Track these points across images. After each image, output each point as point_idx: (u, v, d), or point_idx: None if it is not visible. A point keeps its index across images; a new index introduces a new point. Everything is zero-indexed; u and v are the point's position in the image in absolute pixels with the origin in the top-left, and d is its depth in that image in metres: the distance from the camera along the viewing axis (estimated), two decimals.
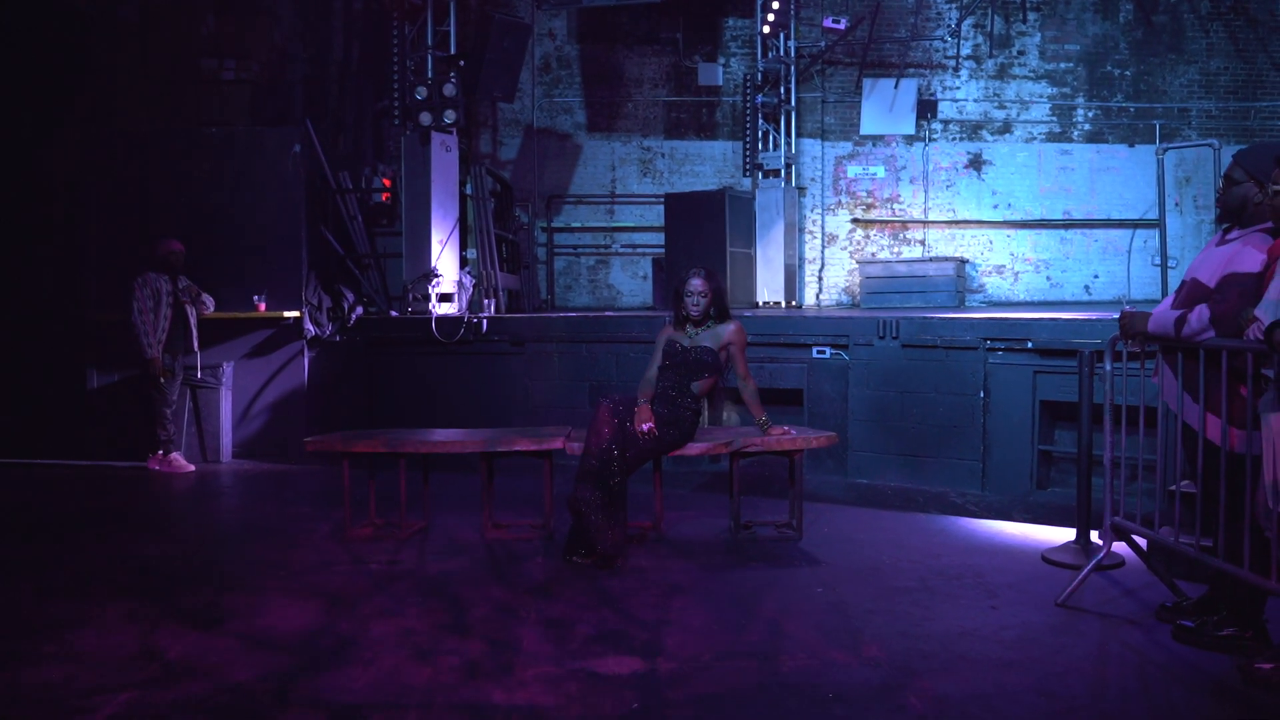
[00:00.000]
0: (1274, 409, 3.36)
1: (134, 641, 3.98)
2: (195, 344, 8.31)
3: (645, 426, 5.22)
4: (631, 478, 5.32)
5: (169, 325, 8.09)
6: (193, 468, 8.26)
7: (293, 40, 10.96)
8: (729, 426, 6.57)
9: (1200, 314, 3.74)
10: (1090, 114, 14.10)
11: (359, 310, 9.44)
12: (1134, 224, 13.71)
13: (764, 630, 4.12)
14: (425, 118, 9.32)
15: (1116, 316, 4.28)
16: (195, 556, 5.51)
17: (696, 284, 5.51)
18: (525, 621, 4.26)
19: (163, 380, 8.09)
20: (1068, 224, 14.05)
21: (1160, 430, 4.36)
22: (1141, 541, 4.57)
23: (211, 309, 8.43)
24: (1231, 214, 3.94)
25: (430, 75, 9.55)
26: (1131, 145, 13.97)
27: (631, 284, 14.58)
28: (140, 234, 8.51)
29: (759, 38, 13.64)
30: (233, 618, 4.32)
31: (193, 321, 8.28)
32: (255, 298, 8.88)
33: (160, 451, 8.18)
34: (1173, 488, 4.74)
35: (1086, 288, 13.97)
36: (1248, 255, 3.76)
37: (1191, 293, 3.94)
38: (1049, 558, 5.24)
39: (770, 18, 13.28)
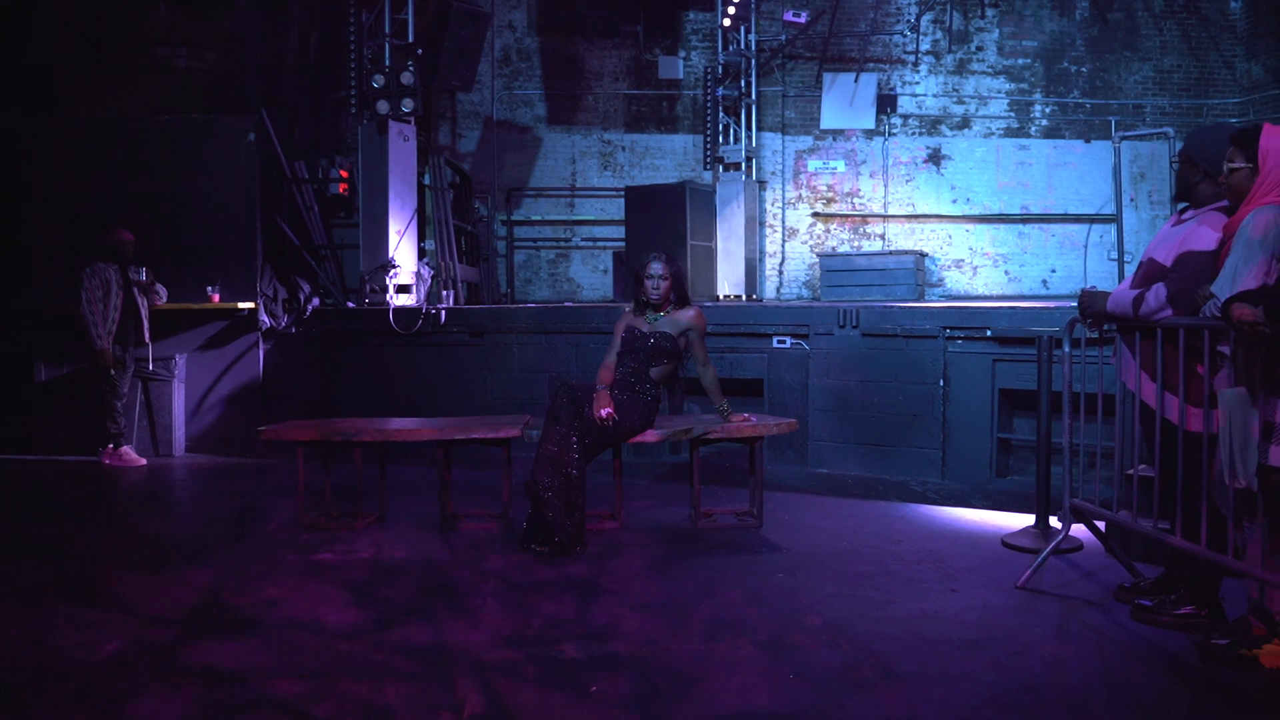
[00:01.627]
0: (1230, 385, 3.36)
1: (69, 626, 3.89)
2: (147, 335, 8.17)
3: (604, 412, 5.16)
4: (590, 467, 5.26)
5: (119, 316, 7.94)
6: (144, 461, 8.10)
7: (248, 28, 10.77)
8: (689, 415, 6.53)
9: (1158, 292, 3.75)
10: (1048, 110, 14.23)
11: (315, 302, 9.29)
12: (1090, 219, 13.87)
13: (725, 615, 4.08)
14: (383, 106, 9.19)
15: (1075, 304, 4.30)
16: (143, 549, 5.38)
17: (657, 268, 5.46)
18: (483, 608, 4.20)
19: (113, 372, 7.93)
20: (1025, 219, 14.18)
21: (1118, 416, 4.37)
22: (1100, 524, 4.59)
23: (164, 300, 8.27)
24: (1186, 194, 3.98)
25: (388, 63, 9.42)
26: (1088, 141, 14.12)
27: (592, 277, 14.51)
28: (90, 223, 8.34)
29: (719, 31, 13.62)
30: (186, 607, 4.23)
31: (144, 312, 8.14)
32: (209, 289, 8.72)
33: (111, 445, 8.02)
34: (1130, 471, 4.76)
35: (1044, 282, 14.10)
36: (1203, 234, 3.78)
37: (1149, 272, 3.95)
38: (1008, 542, 5.25)
39: (731, 11, 13.26)
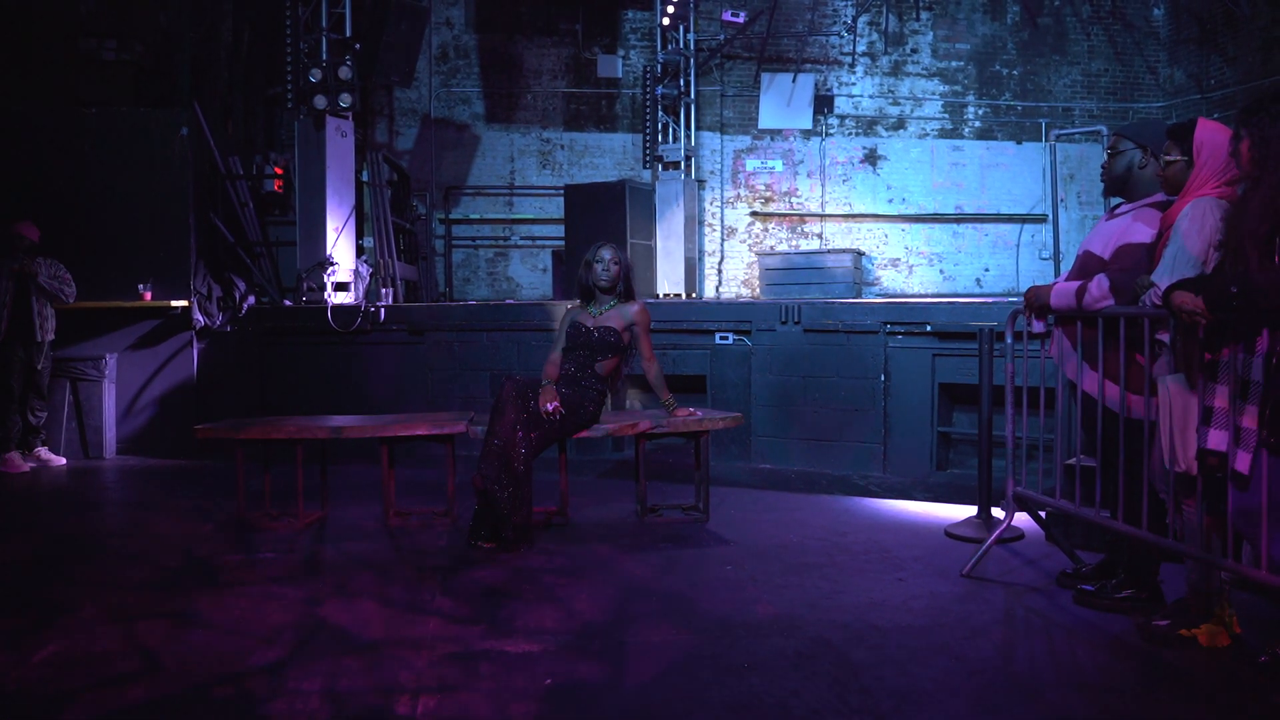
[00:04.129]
0: (1169, 372, 3.44)
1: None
2: (39, 334, 7.77)
3: (550, 406, 5.13)
4: (534, 464, 5.22)
5: (9, 313, 7.62)
6: (29, 467, 7.77)
7: (178, 20, 10.54)
8: (633, 410, 6.53)
9: (1100, 282, 3.83)
10: (980, 111, 14.48)
11: (251, 300, 9.12)
12: (1022, 219, 14.14)
13: (676, 606, 4.08)
14: (320, 101, 9.05)
15: (1011, 300, 4.38)
16: (77, 555, 5.24)
17: (607, 253, 5.50)
18: (430, 604, 4.15)
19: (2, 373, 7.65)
20: (959, 218, 14.40)
21: (1059, 408, 4.45)
22: (1042, 512, 4.68)
23: (72, 297, 7.91)
24: (1118, 184, 4.08)
25: (325, 58, 9.28)
26: (1019, 143, 14.40)
27: (531, 276, 14.45)
28: (13, 218, 8.08)
29: (658, 30, 13.66)
30: (128, 609, 4.12)
31: (38, 308, 7.77)
32: (140, 286, 8.52)
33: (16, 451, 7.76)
34: (1069, 461, 4.86)
35: (978, 280, 14.33)
36: (1140, 227, 3.88)
37: (1085, 264, 4.04)
38: (952, 533, 5.32)
39: (670, 10, 13.32)
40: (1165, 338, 3.54)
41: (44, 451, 7.93)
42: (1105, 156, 4.19)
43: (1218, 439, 3.26)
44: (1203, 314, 3.19)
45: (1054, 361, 4.31)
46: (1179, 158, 3.68)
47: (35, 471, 7.68)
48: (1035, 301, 4.17)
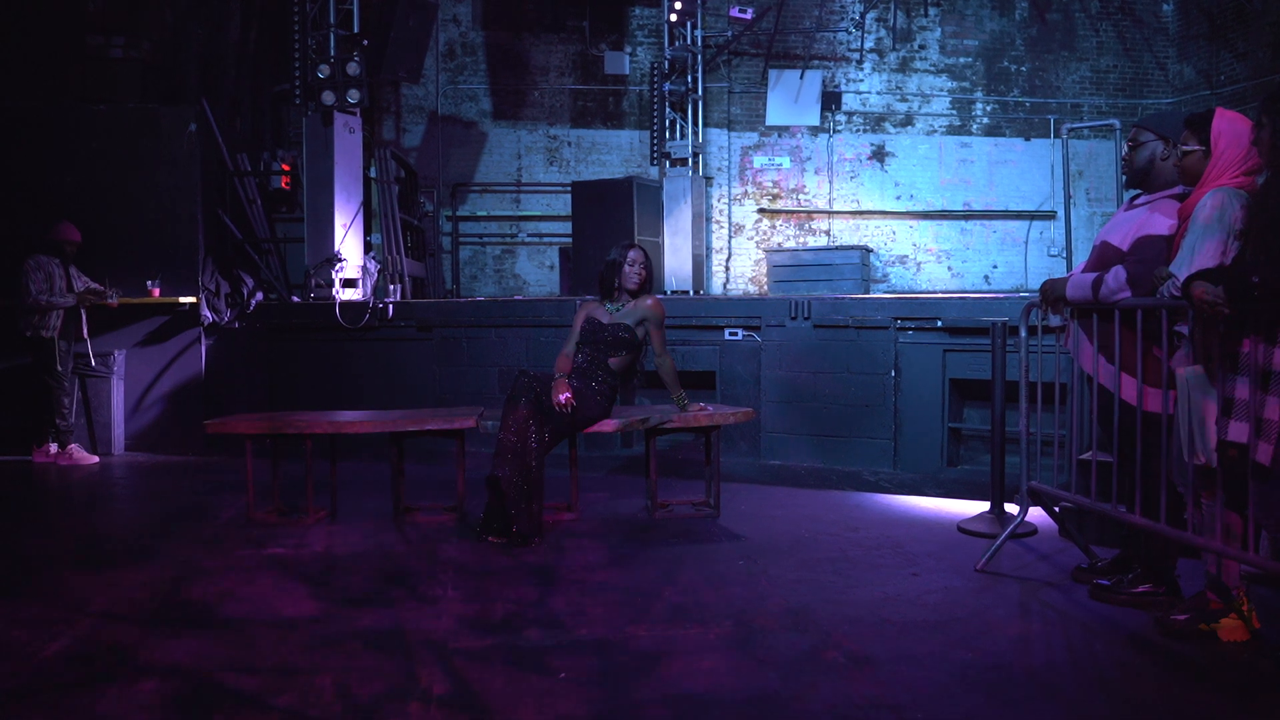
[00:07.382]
0: (1188, 364, 3.41)
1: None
2: (85, 330, 7.96)
3: (563, 397, 5.11)
4: (545, 460, 5.20)
5: (63, 312, 7.76)
6: (96, 459, 7.90)
7: (186, 18, 10.53)
8: (643, 406, 6.50)
9: (1117, 274, 3.79)
10: (988, 108, 14.45)
11: (259, 296, 9.11)
12: (1030, 215, 14.11)
13: (689, 601, 4.06)
14: (328, 97, 9.02)
15: (1021, 295, 4.35)
16: (90, 547, 5.23)
17: (635, 255, 5.51)
18: (444, 597, 4.13)
19: (60, 368, 7.72)
20: (967, 215, 14.37)
21: (1072, 402, 4.42)
22: (1056, 507, 4.65)
23: (116, 300, 8.09)
24: (1139, 175, 4.03)
25: (333, 54, 9.25)
26: (1028, 139, 14.37)
27: (538, 273, 14.44)
28: (22, 215, 8.09)
29: (666, 26, 13.66)
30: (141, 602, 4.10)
31: (85, 314, 7.95)
32: (149, 283, 8.51)
33: (55, 444, 7.80)
34: (1084, 456, 4.83)
35: (986, 277, 14.30)
36: (1158, 220, 3.84)
37: (1103, 255, 4.00)
38: (965, 528, 5.30)
39: (677, 6, 13.31)
40: (1184, 329, 3.51)
41: (52, 448, 7.94)
42: (1125, 149, 4.15)
43: (1239, 431, 3.23)
44: (1223, 305, 3.16)
45: (1070, 355, 4.27)
46: (1196, 147, 3.65)
47: (44, 467, 7.69)
48: (1051, 294, 4.13)
